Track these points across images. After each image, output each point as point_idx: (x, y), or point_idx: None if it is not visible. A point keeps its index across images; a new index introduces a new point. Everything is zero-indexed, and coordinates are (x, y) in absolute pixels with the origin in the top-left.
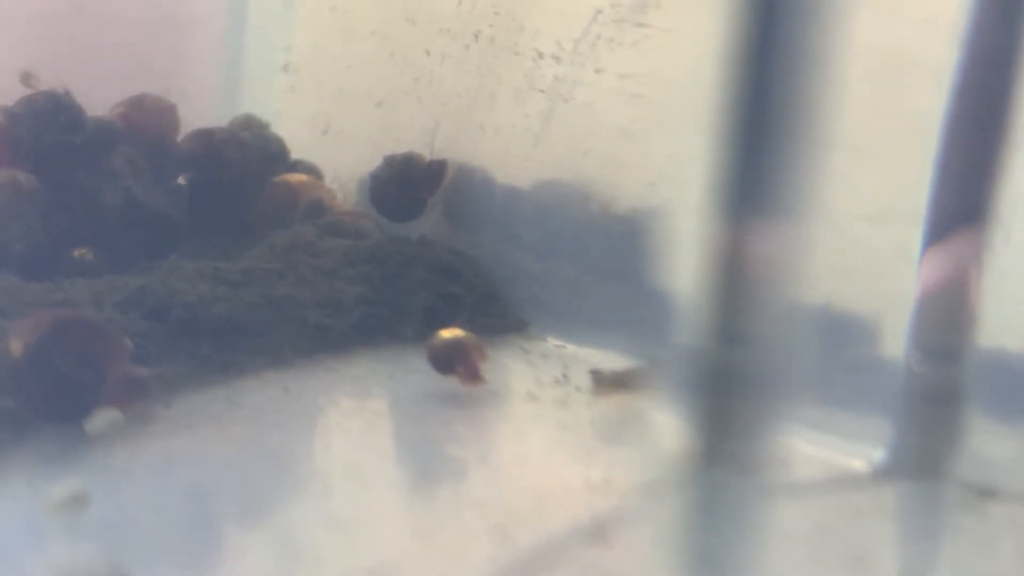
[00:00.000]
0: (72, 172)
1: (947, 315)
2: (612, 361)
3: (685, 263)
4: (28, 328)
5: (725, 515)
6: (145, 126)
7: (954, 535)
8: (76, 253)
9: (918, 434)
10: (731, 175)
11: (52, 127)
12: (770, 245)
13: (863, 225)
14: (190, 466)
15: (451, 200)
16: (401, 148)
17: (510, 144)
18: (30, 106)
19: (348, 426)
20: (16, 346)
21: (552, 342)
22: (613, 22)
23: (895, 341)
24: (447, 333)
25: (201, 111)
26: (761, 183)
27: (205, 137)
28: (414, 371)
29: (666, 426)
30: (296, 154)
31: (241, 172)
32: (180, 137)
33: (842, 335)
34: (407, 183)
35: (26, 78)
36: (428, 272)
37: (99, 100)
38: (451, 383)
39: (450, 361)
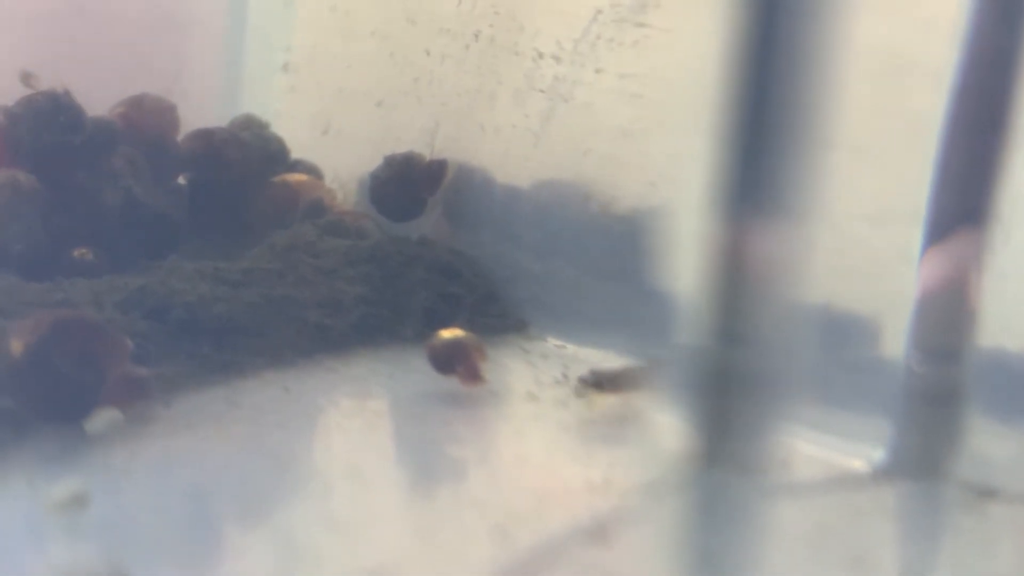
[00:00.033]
0: (72, 172)
1: (947, 315)
2: (612, 361)
3: (685, 263)
4: (28, 328)
5: (725, 515)
6: (145, 126)
7: (954, 535)
8: (76, 253)
9: (918, 434)
10: (731, 175)
11: (52, 127)
12: (770, 245)
13: (863, 225)
14: (190, 466)
15: (451, 200)
16: (401, 148)
17: (510, 144)
18: (30, 106)
19: (348, 426)
20: (16, 346)
21: (552, 342)
22: (613, 22)
23: (895, 341)
24: (447, 333)
25: (201, 111)
26: (761, 183)
27: (205, 137)
28: (414, 371)
29: (666, 426)
30: (296, 154)
31: (241, 172)
32: (180, 137)
33: (842, 335)
34: (407, 183)
35: (26, 78)
36: (428, 272)
37: (99, 100)
38: (451, 383)
39: (450, 361)
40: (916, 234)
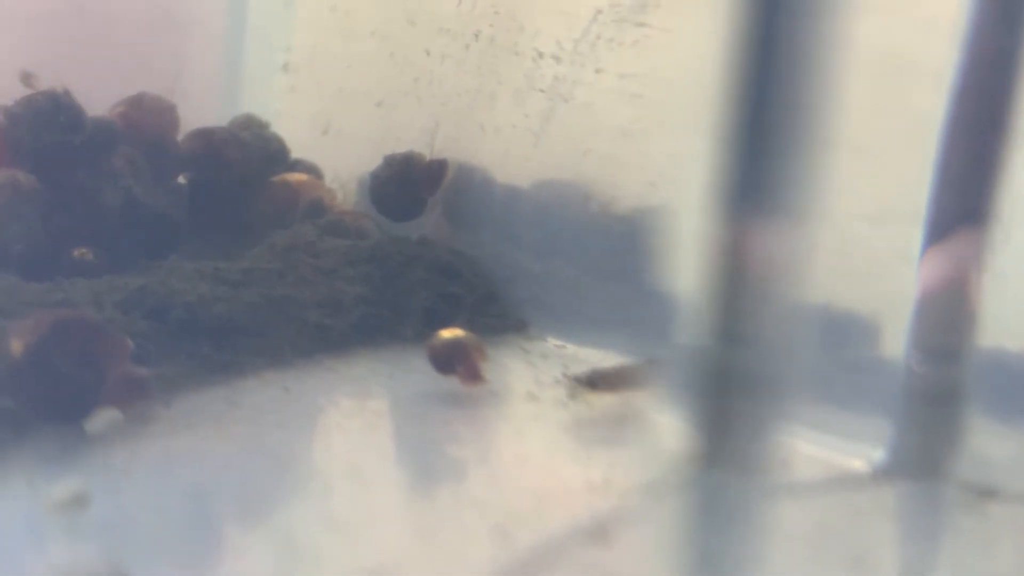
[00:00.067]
0: (72, 172)
1: (947, 315)
2: (612, 361)
3: (685, 263)
4: (28, 328)
5: (725, 515)
6: (145, 126)
7: (954, 535)
8: (76, 253)
9: (918, 434)
10: (731, 175)
11: (52, 127)
12: (770, 245)
13: (863, 225)
14: (190, 466)
15: (451, 200)
16: (401, 148)
17: (510, 144)
18: (30, 106)
19: (348, 426)
20: (16, 346)
21: (552, 342)
22: (613, 22)
23: (895, 341)
24: (447, 333)
25: (201, 111)
26: (761, 183)
27: (205, 137)
28: (414, 371)
29: (666, 426)
30: (296, 154)
31: (241, 172)
32: (180, 137)
33: (842, 335)
34: (407, 183)
35: (26, 78)
36: (428, 272)
37: (99, 100)
38: (451, 383)
39: (450, 361)
40: (916, 234)
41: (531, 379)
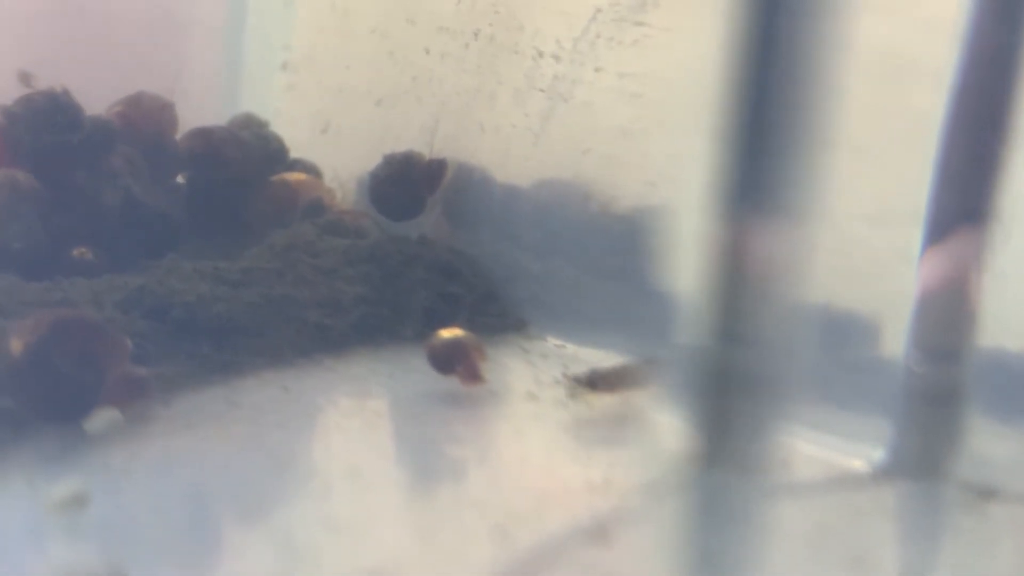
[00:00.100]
0: (71, 171)
1: (947, 315)
2: (612, 360)
3: (685, 263)
4: (28, 328)
5: (726, 515)
6: (143, 125)
7: (954, 535)
8: (75, 252)
9: (918, 434)
10: (731, 175)
11: (51, 126)
12: (770, 245)
13: (863, 225)
14: (190, 466)
15: (451, 199)
16: (401, 147)
17: (510, 143)
18: (29, 105)
19: (348, 426)
20: (16, 346)
21: (552, 342)
22: (612, 21)
23: (895, 341)
24: (447, 333)
25: (200, 110)
26: (761, 183)
27: (204, 136)
28: (414, 371)
29: (666, 426)
30: (295, 153)
31: (240, 171)
32: (179, 136)
33: (842, 335)
34: (407, 182)
35: (23, 78)
36: (428, 271)
37: (99, 99)
38: (451, 383)
39: (450, 361)
40: (916, 234)
41: (531, 379)
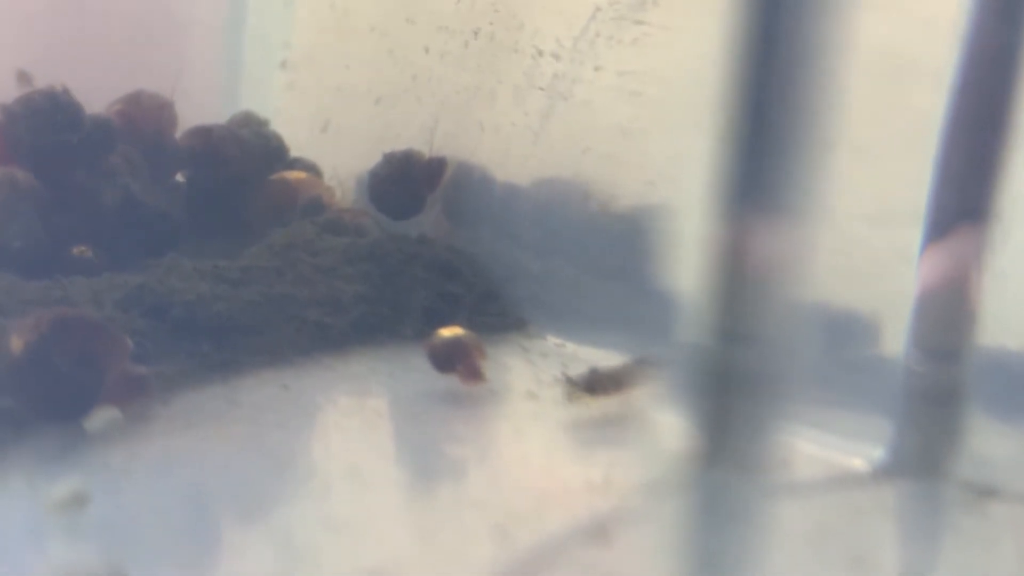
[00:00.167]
0: (70, 170)
1: (947, 315)
2: (612, 360)
3: (685, 262)
4: (28, 326)
5: (726, 515)
6: (143, 123)
7: (954, 535)
8: (75, 251)
9: (918, 433)
10: (731, 174)
11: (50, 125)
12: (771, 244)
13: (863, 225)
14: (189, 465)
15: (450, 198)
16: (400, 145)
17: (509, 142)
18: (28, 104)
19: (347, 425)
20: (16, 344)
21: (552, 340)
22: (612, 20)
23: (895, 340)
24: (447, 331)
25: (200, 108)
26: (761, 182)
27: (203, 134)
28: (414, 370)
29: (666, 425)
30: (295, 151)
31: (239, 169)
32: (178, 134)
33: (843, 335)
34: (406, 181)
35: (21, 77)
36: (427, 270)
37: (99, 99)
38: (451, 382)
39: (450, 360)
40: (916, 234)
41: (531, 378)
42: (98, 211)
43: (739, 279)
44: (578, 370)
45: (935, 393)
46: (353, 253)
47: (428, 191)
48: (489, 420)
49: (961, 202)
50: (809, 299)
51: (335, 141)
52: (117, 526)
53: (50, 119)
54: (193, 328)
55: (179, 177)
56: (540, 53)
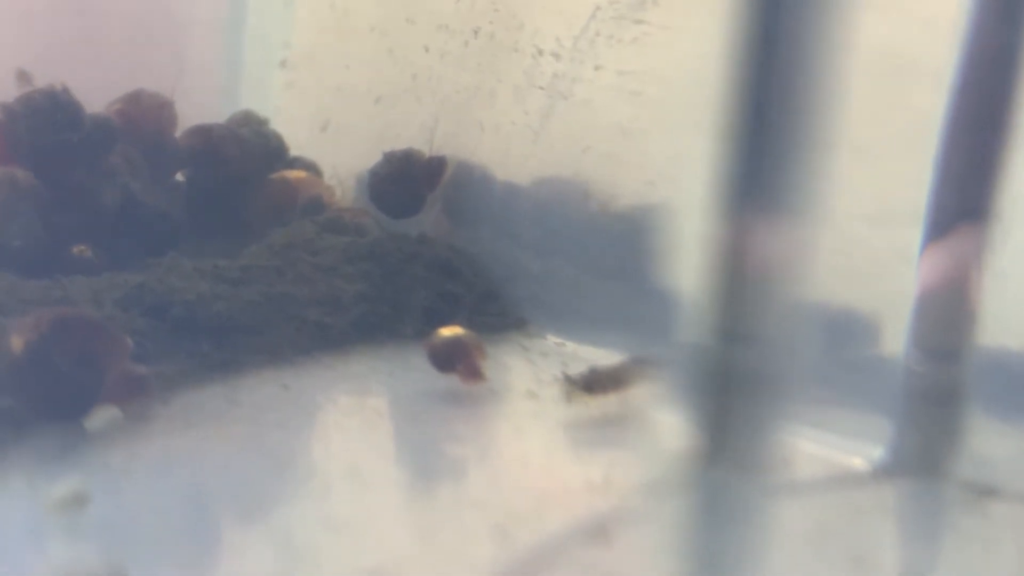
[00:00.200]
0: (70, 169)
1: (947, 314)
2: (612, 359)
3: (685, 261)
4: (28, 326)
5: (726, 514)
6: (143, 122)
7: (954, 534)
8: (75, 250)
9: (918, 433)
10: (731, 173)
11: (50, 124)
12: (771, 244)
13: (863, 225)
14: (189, 465)
15: (450, 197)
16: (400, 145)
17: (509, 141)
18: (28, 104)
19: (347, 424)
20: (16, 344)
21: (552, 340)
22: (612, 19)
23: (895, 340)
24: (447, 331)
25: (200, 107)
26: (761, 182)
27: (203, 133)
28: (414, 369)
29: (667, 425)
30: (295, 151)
31: (239, 169)
32: (178, 133)
33: (843, 334)
34: (406, 180)
35: (21, 77)
36: (428, 270)
37: (99, 98)
38: (451, 381)
39: (450, 359)
40: (916, 234)
41: (531, 377)
42: (98, 210)
43: (739, 279)
44: (578, 369)
45: (935, 393)
46: (353, 252)
47: (428, 190)
48: (489, 419)
49: (961, 202)
50: (809, 299)
51: (335, 140)
52: (117, 526)
53: (50, 118)
54: (193, 327)
55: (179, 176)
56: (540, 52)
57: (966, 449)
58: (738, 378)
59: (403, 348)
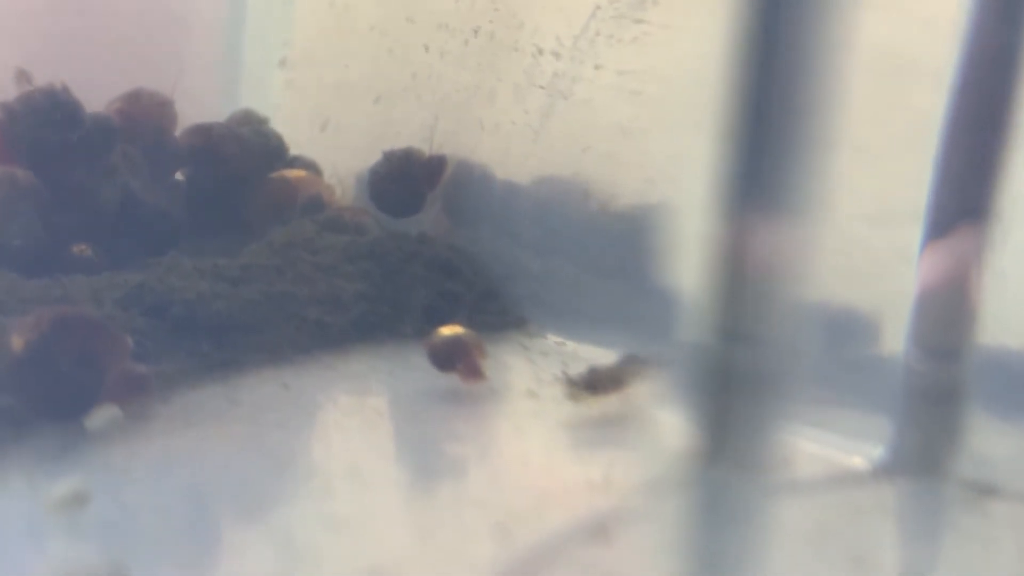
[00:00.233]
0: (70, 169)
1: (947, 313)
2: (612, 358)
3: (685, 261)
4: (28, 325)
5: (727, 514)
6: (142, 121)
7: (954, 533)
8: (75, 249)
9: (918, 432)
10: (731, 173)
11: (50, 123)
12: (771, 243)
13: (863, 224)
14: (190, 464)
15: (450, 196)
16: (400, 144)
17: (509, 140)
18: (28, 102)
19: (348, 424)
20: (17, 343)
21: (552, 339)
22: (612, 18)
23: (895, 339)
24: (447, 330)
25: (200, 106)
26: (762, 181)
27: (203, 132)
28: (414, 368)
29: (667, 424)
30: (294, 150)
31: (239, 168)
32: (178, 132)
33: (843, 334)
34: (406, 179)
35: (20, 76)
36: (427, 269)
37: (99, 97)
38: (451, 380)
39: (450, 358)
40: (916, 234)
41: (531, 376)
42: (98, 210)
43: (739, 278)
44: (578, 369)
45: (935, 392)
46: (353, 251)
47: (428, 189)
48: (489, 419)
49: (961, 202)
50: (809, 298)
51: (335, 139)
52: (117, 525)
53: (50, 117)
54: (193, 327)
55: (179, 175)
56: (540, 51)
57: (966, 448)
58: (738, 377)
59: (403, 347)
